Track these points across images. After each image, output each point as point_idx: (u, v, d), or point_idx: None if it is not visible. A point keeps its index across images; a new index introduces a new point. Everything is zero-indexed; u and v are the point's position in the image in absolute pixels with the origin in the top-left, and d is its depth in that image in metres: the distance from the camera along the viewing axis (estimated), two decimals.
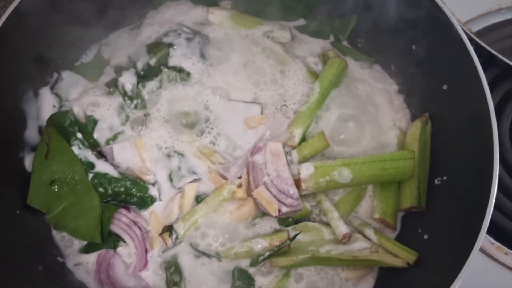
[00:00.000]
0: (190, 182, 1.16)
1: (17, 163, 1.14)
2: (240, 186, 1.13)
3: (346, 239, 1.10)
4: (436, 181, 1.14)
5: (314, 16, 1.38)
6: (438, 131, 1.19)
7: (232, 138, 1.20)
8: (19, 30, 1.11)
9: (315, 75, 1.27)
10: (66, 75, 1.26)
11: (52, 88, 1.25)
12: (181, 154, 1.18)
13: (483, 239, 1.24)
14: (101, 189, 1.12)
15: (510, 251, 1.23)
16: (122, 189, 1.13)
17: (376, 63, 1.35)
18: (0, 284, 0.92)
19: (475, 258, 0.94)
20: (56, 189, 1.10)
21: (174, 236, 1.10)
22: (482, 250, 1.24)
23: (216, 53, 1.29)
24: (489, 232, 1.25)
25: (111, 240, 1.13)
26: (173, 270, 1.09)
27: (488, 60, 1.36)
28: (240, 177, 1.14)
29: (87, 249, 1.13)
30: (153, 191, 1.15)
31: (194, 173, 1.17)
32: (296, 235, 1.10)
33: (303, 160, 1.16)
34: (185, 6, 1.38)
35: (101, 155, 1.17)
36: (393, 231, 1.18)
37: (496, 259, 1.23)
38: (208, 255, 1.10)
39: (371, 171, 1.11)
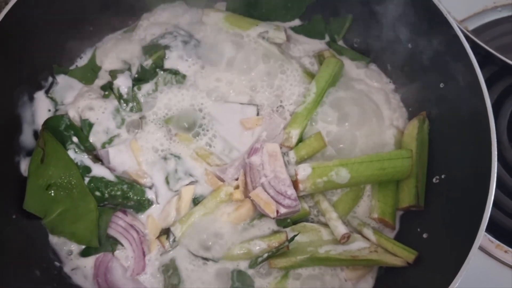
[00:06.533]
0: (187, 184, 1.15)
1: (12, 168, 1.14)
2: (237, 187, 1.12)
3: (345, 239, 1.09)
4: (434, 180, 1.13)
5: (309, 17, 1.37)
6: (436, 130, 1.18)
7: (228, 140, 1.19)
8: (13, 34, 1.10)
9: (311, 76, 1.26)
10: (61, 79, 1.26)
11: (47, 92, 1.24)
12: (177, 157, 1.17)
13: (483, 237, 1.24)
14: (97, 193, 1.12)
15: (509, 249, 1.22)
16: (118, 192, 1.12)
17: (372, 62, 1.35)
18: None
19: (474, 256, 0.93)
20: (52, 194, 1.10)
21: (171, 239, 1.09)
22: (481, 248, 1.23)
23: (211, 55, 1.27)
24: (489, 230, 1.24)
25: (108, 243, 1.12)
26: (171, 273, 1.09)
27: (484, 58, 1.36)
28: (237, 179, 1.13)
29: (84, 253, 1.12)
30: (150, 194, 1.14)
31: (191, 175, 1.16)
32: (295, 236, 1.09)
33: (301, 160, 1.15)
34: (179, 8, 1.37)
35: (97, 159, 1.16)
36: (392, 231, 1.17)
37: (496, 257, 1.23)
38: (206, 258, 1.09)
39: (369, 171, 1.10)
